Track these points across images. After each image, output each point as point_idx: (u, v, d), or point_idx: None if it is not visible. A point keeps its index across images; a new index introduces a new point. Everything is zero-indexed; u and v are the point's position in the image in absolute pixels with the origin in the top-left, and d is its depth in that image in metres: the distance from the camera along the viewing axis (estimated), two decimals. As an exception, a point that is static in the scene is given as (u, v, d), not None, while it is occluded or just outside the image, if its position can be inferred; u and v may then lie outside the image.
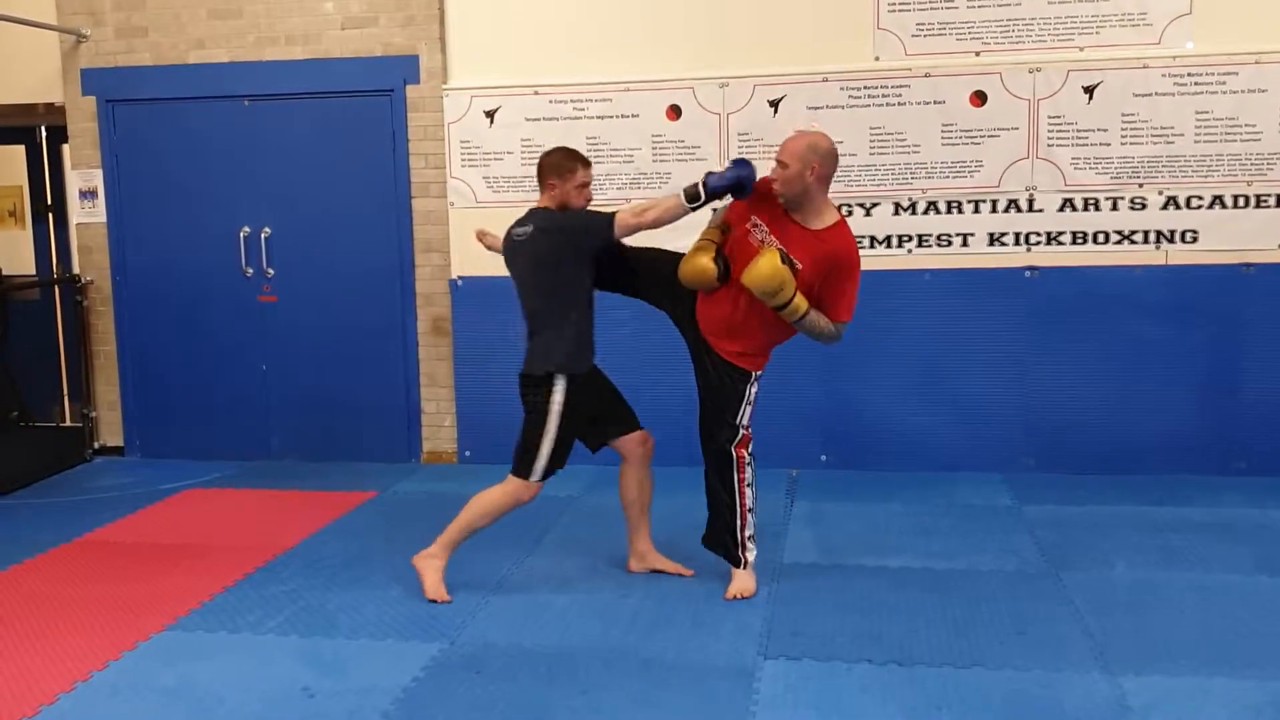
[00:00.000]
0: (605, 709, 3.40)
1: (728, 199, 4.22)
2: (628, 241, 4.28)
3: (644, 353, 6.01)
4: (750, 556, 4.34)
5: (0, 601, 4.43)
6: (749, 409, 4.26)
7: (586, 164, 4.27)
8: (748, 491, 4.30)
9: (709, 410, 4.30)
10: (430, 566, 4.33)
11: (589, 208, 4.24)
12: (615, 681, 3.58)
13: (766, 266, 3.92)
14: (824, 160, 4.01)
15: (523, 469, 4.22)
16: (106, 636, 4.02)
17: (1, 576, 4.73)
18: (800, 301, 3.99)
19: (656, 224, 4.08)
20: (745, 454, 4.28)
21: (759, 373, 4.27)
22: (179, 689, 3.59)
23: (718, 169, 4.08)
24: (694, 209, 4.04)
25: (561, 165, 4.23)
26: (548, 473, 4.24)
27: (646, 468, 4.50)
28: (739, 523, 4.31)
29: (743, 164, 4.04)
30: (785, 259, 3.98)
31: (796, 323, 4.05)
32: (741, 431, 4.26)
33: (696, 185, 4.02)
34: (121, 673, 3.73)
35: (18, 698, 3.54)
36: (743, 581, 4.31)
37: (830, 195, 4.15)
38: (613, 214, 4.11)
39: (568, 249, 4.15)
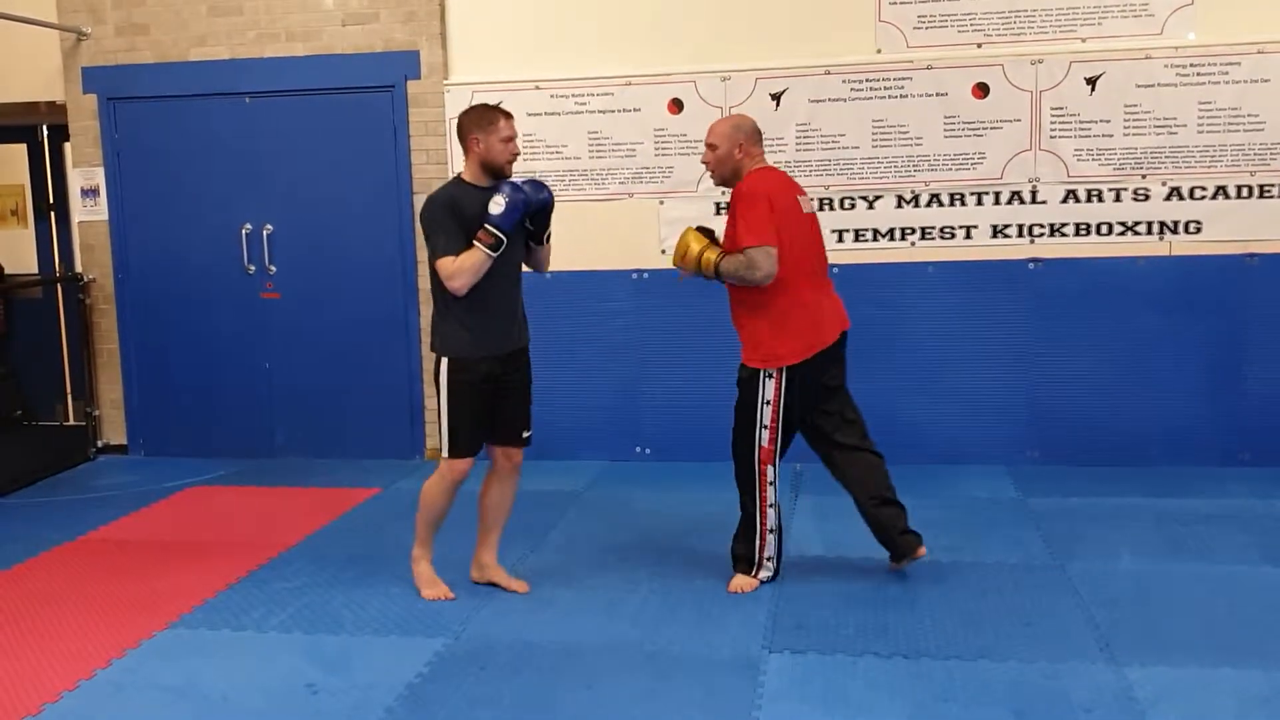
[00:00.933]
0: (611, 703, 3.39)
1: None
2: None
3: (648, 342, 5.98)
4: (764, 576, 4.30)
5: (4, 599, 4.43)
6: (768, 409, 4.16)
7: (508, 116, 4.11)
8: (770, 512, 4.24)
9: (735, 420, 4.27)
10: (418, 571, 4.34)
11: (431, 229, 4.04)
12: (621, 675, 3.58)
13: (678, 244, 4.24)
14: (749, 137, 4.19)
15: (440, 447, 4.20)
16: (110, 634, 4.02)
17: (5, 575, 4.73)
18: (709, 255, 4.14)
19: (468, 285, 3.97)
20: (770, 470, 4.21)
21: (772, 369, 4.14)
22: (183, 687, 3.59)
23: (495, 204, 3.92)
24: (497, 249, 3.94)
25: (483, 117, 4.06)
26: (457, 450, 4.14)
27: (510, 482, 4.38)
28: (759, 542, 4.28)
29: (515, 187, 3.96)
30: (702, 227, 4.26)
31: (718, 276, 4.14)
32: (762, 435, 4.17)
33: (487, 230, 3.92)
34: (125, 670, 3.73)
35: (22, 696, 3.54)
36: (745, 581, 4.31)
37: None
38: (441, 251, 3.98)
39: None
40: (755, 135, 4.22)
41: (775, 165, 4.38)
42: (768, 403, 4.16)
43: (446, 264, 3.99)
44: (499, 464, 4.33)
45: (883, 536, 4.37)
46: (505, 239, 3.95)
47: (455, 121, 4.20)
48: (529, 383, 4.34)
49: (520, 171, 6.25)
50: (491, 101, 6.12)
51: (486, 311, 4.10)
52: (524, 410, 4.31)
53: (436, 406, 4.20)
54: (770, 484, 4.21)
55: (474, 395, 4.13)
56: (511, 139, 4.09)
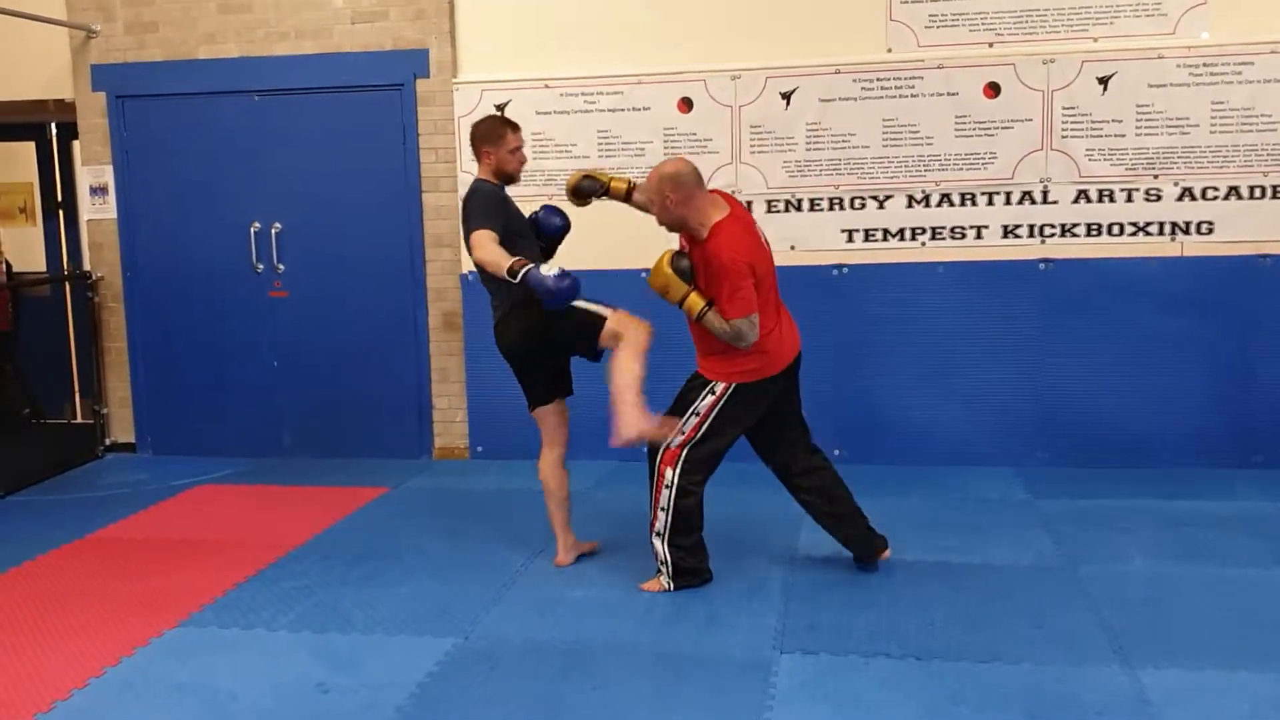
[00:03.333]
0: (620, 704, 3.38)
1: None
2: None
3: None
4: (663, 581, 4.27)
5: (14, 598, 4.42)
6: (694, 420, 4.15)
7: (516, 128, 4.48)
8: (660, 515, 4.21)
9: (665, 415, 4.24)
10: (564, 549, 4.62)
11: (481, 208, 4.26)
12: (630, 676, 3.56)
13: (658, 267, 4.06)
14: (675, 184, 4.03)
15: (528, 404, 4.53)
16: (120, 633, 4.01)
17: (14, 573, 4.73)
18: (694, 300, 4.04)
19: (486, 266, 4.17)
20: (669, 473, 4.18)
21: (720, 384, 4.13)
22: (192, 685, 3.58)
23: (553, 273, 3.97)
24: (512, 280, 4.02)
25: (492, 132, 4.42)
26: (535, 402, 4.53)
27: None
28: (650, 530, 4.28)
29: (563, 277, 3.96)
30: (679, 257, 4.07)
31: (697, 321, 4.09)
32: (674, 438, 4.16)
33: (517, 272, 3.99)
34: (135, 669, 3.72)
35: (33, 694, 3.54)
36: (653, 584, 4.32)
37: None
38: (485, 227, 4.18)
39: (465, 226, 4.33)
40: (684, 181, 4.03)
41: (728, 190, 4.37)
42: (697, 413, 4.16)
43: (485, 235, 4.16)
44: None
45: (846, 543, 4.46)
46: (515, 287, 4.05)
47: (469, 129, 4.49)
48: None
49: (530, 171, 6.29)
50: (500, 100, 6.19)
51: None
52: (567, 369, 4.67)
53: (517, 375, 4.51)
54: (667, 486, 4.18)
55: (524, 355, 4.47)
56: (519, 149, 4.47)
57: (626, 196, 4.53)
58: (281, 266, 6.59)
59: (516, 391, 4.63)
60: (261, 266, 6.61)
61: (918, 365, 5.99)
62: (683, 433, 4.17)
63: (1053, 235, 5.85)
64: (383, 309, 6.52)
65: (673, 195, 4.03)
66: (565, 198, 4.61)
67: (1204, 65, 5.65)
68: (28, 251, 7.76)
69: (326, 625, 4.05)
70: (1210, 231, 5.73)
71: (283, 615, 4.16)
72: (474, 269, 4.48)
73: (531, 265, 3.99)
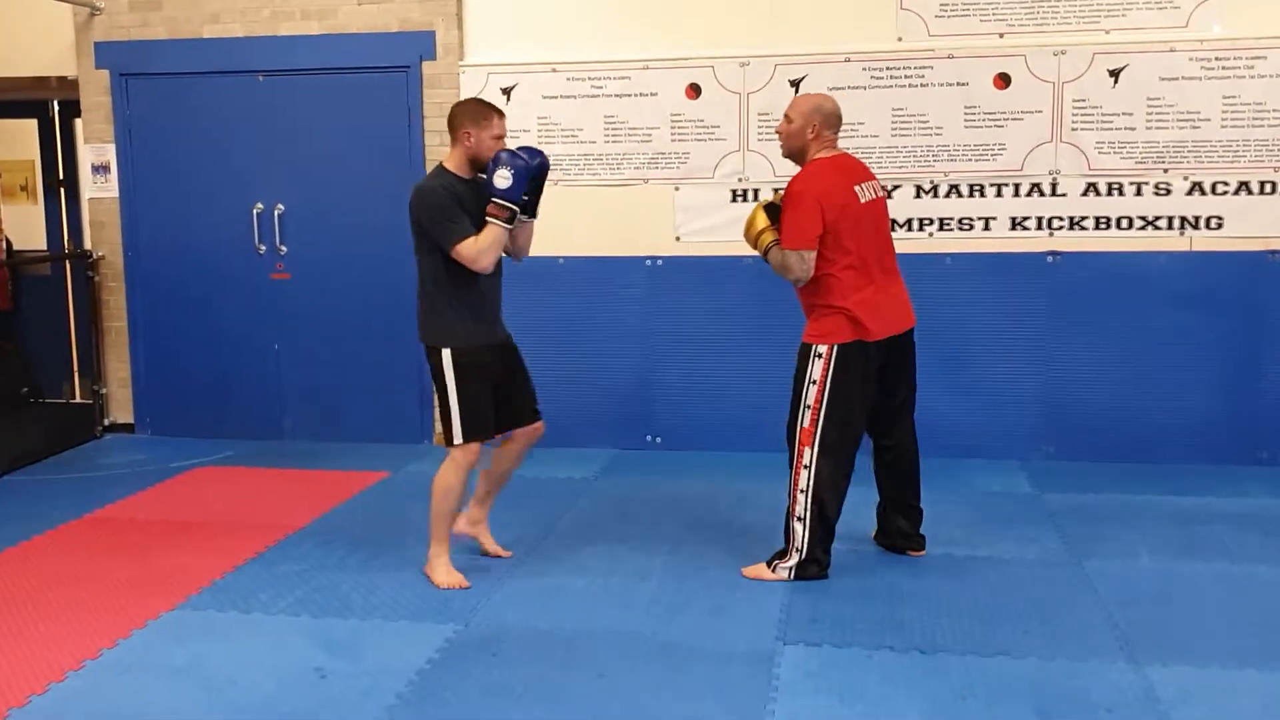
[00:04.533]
0: (623, 693, 3.35)
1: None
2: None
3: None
4: (782, 571, 4.21)
5: (10, 578, 4.39)
6: (813, 389, 4.08)
7: (502, 115, 4.13)
8: (800, 498, 4.14)
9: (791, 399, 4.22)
10: (435, 566, 4.27)
11: (438, 217, 4.00)
12: (633, 665, 3.53)
13: (749, 218, 4.21)
14: (825, 121, 4.15)
15: (448, 436, 4.18)
16: (117, 615, 3.98)
17: (11, 553, 4.70)
18: (766, 235, 4.14)
19: (493, 262, 4.05)
20: (806, 453, 4.12)
21: (821, 348, 4.08)
22: (190, 668, 3.55)
23: (501, 178, 3.94)
24: (513, 221, 4.00)
25: (478, 112, 4.08)
26: (471, 435, 4.14)
27: (522, 452, 4.45)
28: (788, 524, 4.21)
29: (514, 155, 3.96)
30: (768, 203, 4.18)
31: (764, 256, 4.18)
32: (803, 415, 4.11)
33: (496, 204, 3.95)
34: (132, 651, 3.69)
35: (28, 675, 3.50)
36: (762, 572, 4.25)
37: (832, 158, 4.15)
38: (456, 237, 3.98)
39: (418, 225, 4.07)
40: (832, 120, 4.17)
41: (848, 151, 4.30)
42: (813, 382, 4.10)
43: (469, 246, 3.98)
44: (518, 438, 4.39)
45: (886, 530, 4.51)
46: (517, 209, 4.00)
47: (448, 116, 4.18)
48: (524, 366, 4.38)
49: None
50: (506, 83, 6.14)
51: (483, 302, 4.18)
52: (529, 387, 4.40)
53: (439, 399, 4.18)
54: (805, 467, 4.12)
55: (481, 380, 4.16)
56: (501, 137, 4.10)
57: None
58: (284, 248, 6.54)
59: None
60: (264, 248, 6.56)
61: (923, 357, 5.86)
62: (808, 407, 4.11)
63: (1061, 228, 5.80)
64: (385, 292, 6.47)
65: (817, 125, 4.13)
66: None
67: (1216, 59, 5.60)
68: (29, 230, 7.71)
69: (326, 610, 4.02)
70: (1219, 227, 5.69)
71: (281, 599, 4.13)
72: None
73: (493, 203, 3.95)
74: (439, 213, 4.00)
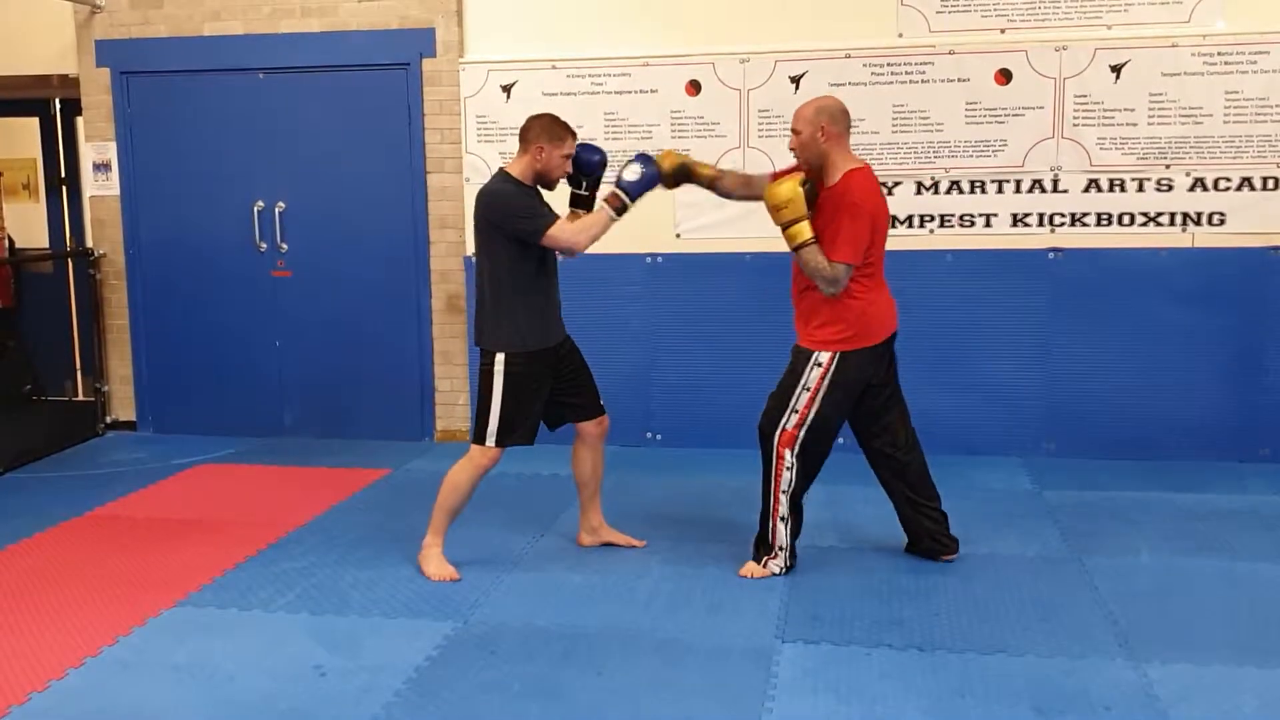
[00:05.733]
0: (621, 690, 3.35)
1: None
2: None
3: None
4: (774, 568, 4.23)
5: (11, 575, 4.40)
6: (805, 395, 4.10)
7: (574, 135, 4.22)
8: (782, 498, 4.17)
9: (772, 399, 4.21)
10: (428, 556, 4.30)
11: (522, 212, 4.08)
12: (631, 662, 3.53)
13: (784, 185, 4.02)
14: (833, 119, 4.05)
15: (478, 434, 4.21)
16: (117, 612, 3.98)
17: (12, 550, 4.70)
18: (802, 229, 3.99)
19: (588, 245, 4.14)
20: (787, 455, 4.14)
21: (825, 354, 4.08)
22: (190, 665, 3.55)
23: (632, 172, 4.15)
24: (619, 218, 4.11)
25: (554, 130, 4.14)
26: (503, 440, 4.18)
27: (600, 446, 4.50)
28: (770, 525, 4.21)
29: (643, 159, 4.16)
30: (809, 182, 4.03)
31: (796, 251, 4.03)
32: (789, 418, 4.11)
33: (617, 195, 4.08)
34: (132, 649, 3.69)
35: (27, 673, 3.51)
36: (755, 569, 4.26)
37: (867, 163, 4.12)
38: (546, 223, 4.04)
39: (493, 226, 4.10)
40: (838, 116, 4.06)
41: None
42: (807, 389, 4.10)
43: (562, 228, 4.07)
44: (589, 433, 4.45)
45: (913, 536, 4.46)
46: (629, 207, 4.11)
47: (526, 120, 4.23)
48: (584, 361, 4.45)
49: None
50: (507, 81, 6.13)
51: (545, 302, 4.23)
52: (591, 383, 4.45)
53: (480, 397, 4.19)
54: (788, 469, 4.14)
55: (530, 388, 4.18)
56: (570, 157, 4.20)
57: (710, 184, 4.42)
58: (285, 246, 6.54)
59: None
60: (264, 246, 6.56)
61: (924, 354, 5.92)
62: (796, 411, 4.11)
63: (1062, 224, 5.79)
64: (386, 290, 6.48)
65: (828, 128, 4.02)
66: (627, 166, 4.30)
67: (1219, 54, 5.58)
68: (31, 228, 7.72)
69: (325, 607, 4.02)
70: (1222, 223, 5.68)
71: (281, 596, 4.13)
72: (473, 254, 4.34)
73: (611, 195, 4.10)
74: (522, 208, 4.08)
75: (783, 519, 4.19)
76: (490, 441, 4.18)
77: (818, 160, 4.07)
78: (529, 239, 4.06)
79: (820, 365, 4.08)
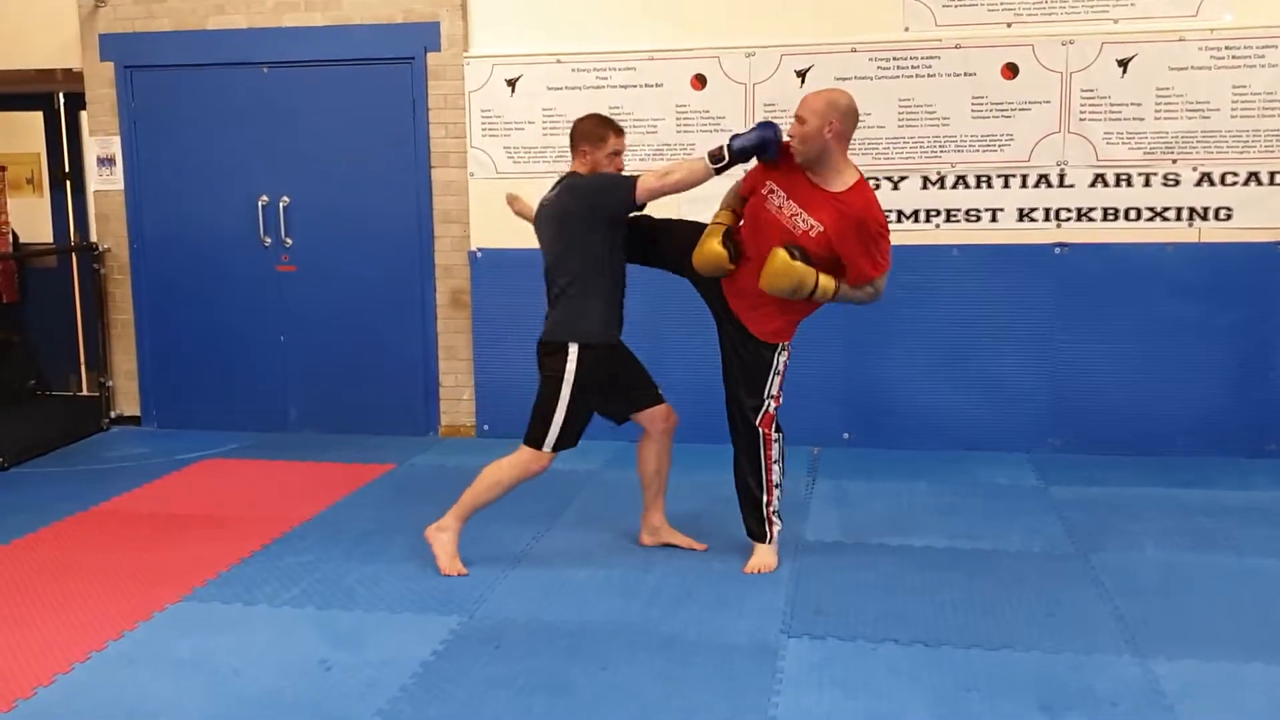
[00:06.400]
0: (626, 685, 3.34)
1: (752, 161, 4.11)
2: (650, 211, 4.23)
3: (664, 324, 5.92)
4: (775, 531, 4.28)
5: (16, 570, 4.40)
6: (777, 379, 4.18)
7: (619, 132, 4.24)
8: (774, 468, 4.23)
9: (736, 383, 4.22)
10: (441, 540, 4.28)
11: (609, 183, 4.14)
12: (636, 657, 3.52)
13: (780, 268, 3.89)
14: (843, 117, 3.91)
15: (534, 438, 4.17)
16: (122, 607, 3.98)
17: (17, 545, 4.70)
18: (826, 283, 3.93)
19: (680, 187, 4.05)
20: (770, 431, 4.21)
21: (786, 342, 4.20)
22: (195, 660, 3.55)
23: (742, 130, 4.08)
24: (719, 171, 4.01)
25: (594, 132, 4.19)
26: (559, 445, 4.17)
27: (668, 443, 4.45)
28: (765, 498, 4.25)
29: (767, 125, 4.01)
30: (792, 251, 3.90)
31: (832, 300, 4.01)
32: (769, 404, 4.18)
33: (721, 148, 4.00)
34: (137, 643, 3.69)
35: (33, 667, 3.51)
36: (764, 556, 4.27)
37: (860, 168, 4.06)
38: (635, 177, 4.06)
39: (588, 209, 4.08)
40: (850, 116, 3.95)
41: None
42: (778, 373, 4.18)
43: (651, 175, 4.04)
44: (656, 427, 4.40)
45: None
46: (727, 160, 3.98)
47: (572, 124, 4.29)
48: (629, 350, 4.40)
49: (540, 148, 6.21)
50: (512, 75, 6.12)
51: (619, 298, 4.22)
52: (643, 370, 4.42)
53: (544, 396, 4.14)
54: (775, 462, 4.23)
55: (596, 389, 4.16)
56: (619, 154, 4.22)
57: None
58: (289, 240, 6.54)
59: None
60: (269, 240, 6.56)
61: (930, 349, 5.93)
62: (773, 396, 4.18)
63: (1069, 219, 5.78)
64: (390, 285, 6.47)
65: (836, 125, 3.89)
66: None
67: (1226, 49, 5.56)
68: (34, 223, 7.71)
69: (330, 602, 4.02)
70: (1229, 218, 5.66)
71: (286, 591, 4.13)
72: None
73: (717, 150, 3.99)
74: (605, 179, 4.12)
75: (778, 485, 4.26)
76: (548, 447, 4.16)
77: (816, 154, 3.92)
78: (624, 194, 4.04)
79: (785, 352, 4.19)
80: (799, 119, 3.94)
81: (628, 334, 4.30)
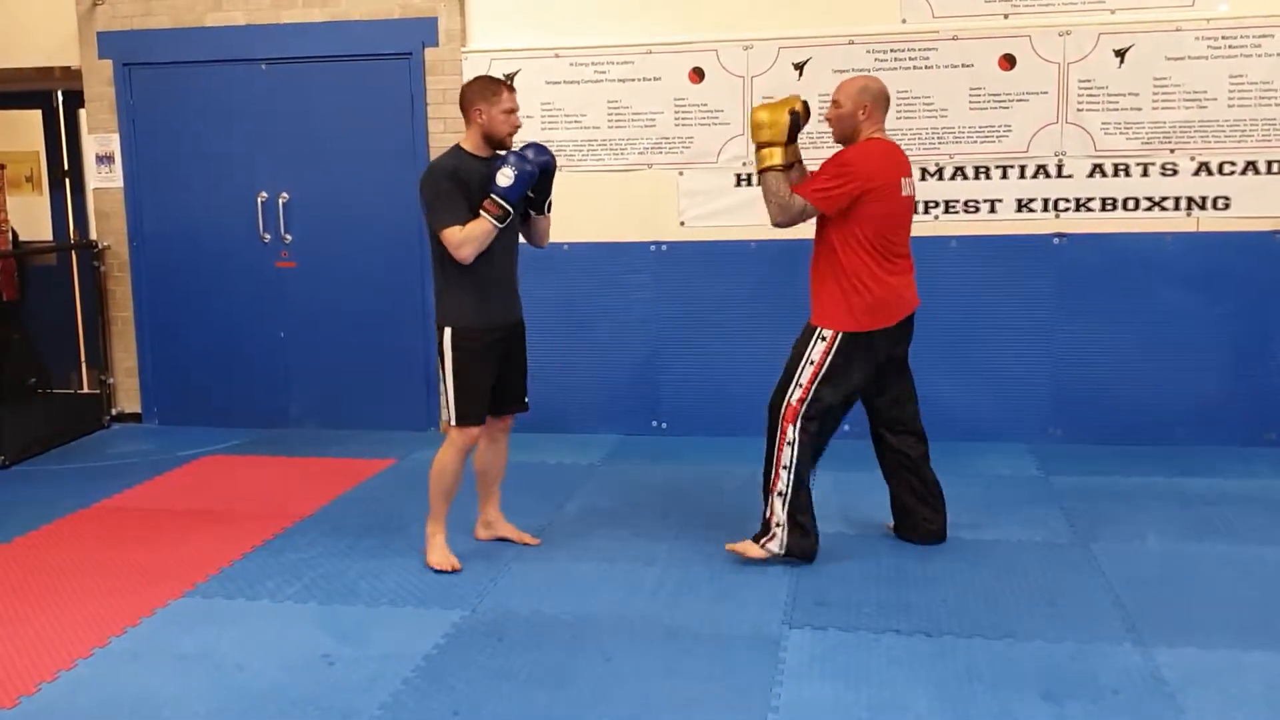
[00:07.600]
0: (629, 677, 3.35)
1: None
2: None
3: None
4: (772, 547, 4.18)
5: (19, 567, 4.41)
6: (809, 369, 4.09)
7: (511, 88, 4.14)
8: (783, 474, 4.13)
9: (782, 372, 4.21)
10: (430, 545, 4.30)
11: (435, 202, 4.03)
12: (639, 650, 3.54)
13: (771, 108, 4.11)
14: (875, 101, 4.14)
15: (449, 417, 4.22)
16: (125, 603, 3.99)
17: (20, 542, 4.71)
18: (772, 153, 4.08)
19: (474, 254, 4.02)
20: (789, 429, 4.12)
21: (830, 331, 4.09)
22: (198, 656, 3.56)
23: (504, 176, 3.97)
24: (505, 218, 4.00)
25: (487, 89, 4.09)
26: (467, 417, 4.16)
27: (504, 441, 4.47)
28: (768, 503, 4.18)
29: (521, 158, 4.00)
30: (798, 114, 4.09)
31: (760, 174, 4.12)
32: (795, 393, 4.11)
33: (495, 203, 3.97)
34: (140, 639, 3.70)
35: (36, 663, 3.52)
36: (746, 545, 4.23)
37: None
38: (446, 222, 4.00)
39: (426, 214, 4.11)
40: (881, 100, 4.16)
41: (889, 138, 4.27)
42: (811, 362, 4.11)
43: (454, 233, 4.01)
44: (493, 428, 4.38)
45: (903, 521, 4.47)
46: (512, 211, 4.01)
47: (458, 98, 4.21)
48: (525, 353, 4.40)
49: (539, 138, 6.19)
50: (510, 69, 6.12)
51: (490, 282, 4.17)
52: (523, 379, 4.40)
53: (441, 377, 4.21)
54: (789, 444, 4.12)
55: (480, 363, 4.17)
56: (513, 111, 4.12)
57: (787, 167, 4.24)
58: (289, 236, 6.54)
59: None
60: (268, 236, 6.56)
61: (929, 340, 5.86)
62: (800, 385, 4.12)
63: (1067, 210, 5.78)
64: (390, 280, 6.47)
65: (869, 108, 4.12)
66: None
67: (1223, 38, 5.56)
68: (34, 221, 7.71)
69: (333, 597, 4.03)
70: (1227, 207, 5.66)
71: (289, 586, 4.14)
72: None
73: (490, 199, 3.96)
74: (434, 195, 4.04)
75: (780, 494, 4.15)
76: (454, 421, 4.19)
77: (850, 136, 4.15)
78: (437, 229, 4.04)
79: (824, 340, 4.09)
80: (835, 102, 4.17)
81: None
